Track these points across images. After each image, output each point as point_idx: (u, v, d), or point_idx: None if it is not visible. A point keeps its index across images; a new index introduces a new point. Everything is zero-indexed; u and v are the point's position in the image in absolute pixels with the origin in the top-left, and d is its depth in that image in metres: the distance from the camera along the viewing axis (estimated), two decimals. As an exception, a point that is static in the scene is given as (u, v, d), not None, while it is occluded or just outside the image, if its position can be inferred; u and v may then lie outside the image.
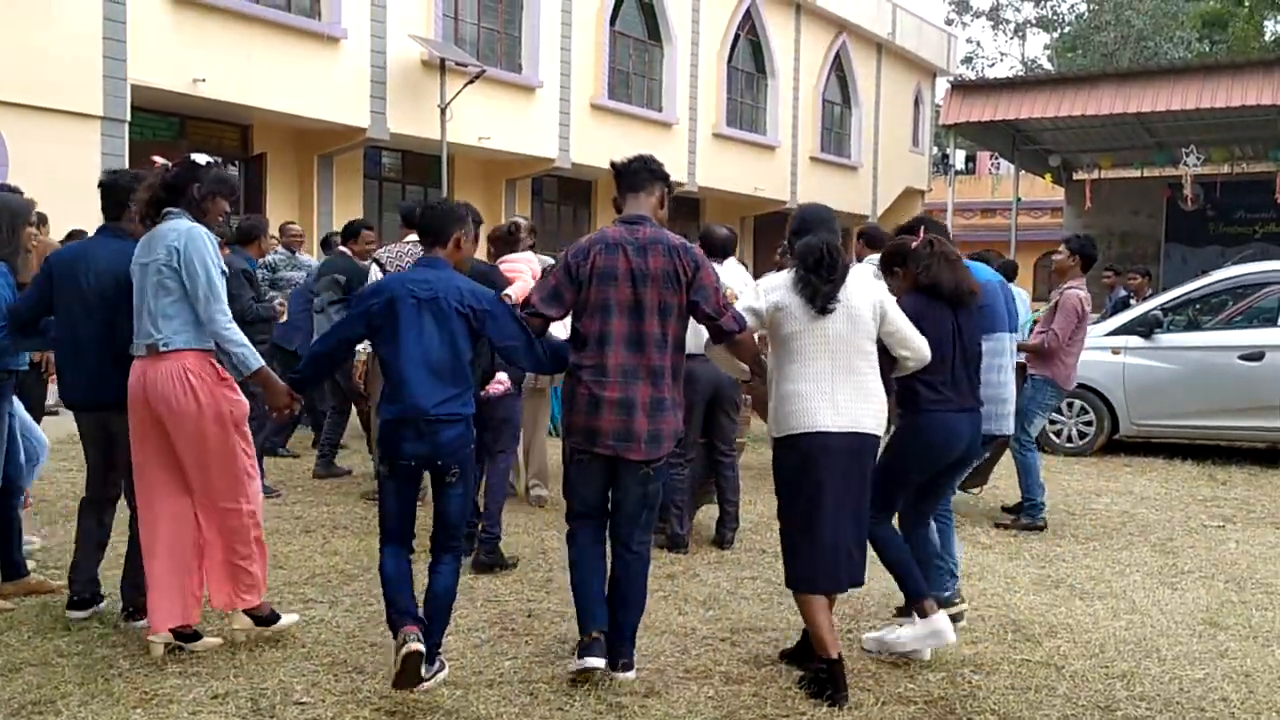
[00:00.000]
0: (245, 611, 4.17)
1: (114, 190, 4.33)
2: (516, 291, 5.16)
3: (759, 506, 6.83)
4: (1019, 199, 20.85)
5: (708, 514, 6.25)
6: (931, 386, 4.12)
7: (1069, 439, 9.26)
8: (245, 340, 4.00)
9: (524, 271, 6.21)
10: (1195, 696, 3.87)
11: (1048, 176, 21.30)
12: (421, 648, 3.59)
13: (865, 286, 3.93)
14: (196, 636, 4.10)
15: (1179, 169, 18.58)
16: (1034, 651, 4.30)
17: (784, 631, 4.48)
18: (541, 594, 4.98)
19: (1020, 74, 31.65)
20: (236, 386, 4.07)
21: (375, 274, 6.70)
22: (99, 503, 4.50)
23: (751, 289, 4.15)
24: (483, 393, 5.42)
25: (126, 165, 12.08)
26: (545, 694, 3.75)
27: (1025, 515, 6.57)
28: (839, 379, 3.81)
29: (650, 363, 3.77)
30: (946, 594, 4.46)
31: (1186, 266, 18.62)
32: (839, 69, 25.18)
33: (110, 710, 3.54)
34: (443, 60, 14.98)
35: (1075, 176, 20.97)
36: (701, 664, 4.09)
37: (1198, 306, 9.72)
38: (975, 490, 7.17)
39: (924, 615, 4.08)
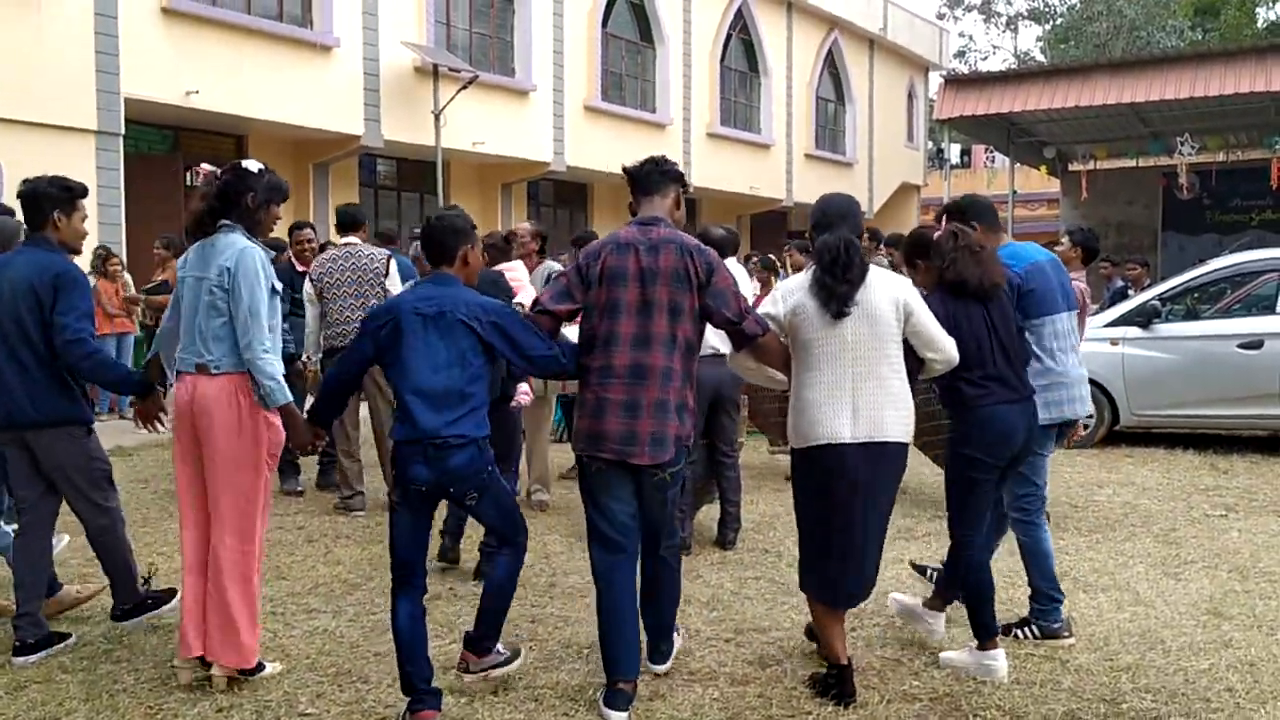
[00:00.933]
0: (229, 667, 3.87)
1: (32, 199, 4.18)
2: (526, 300, 5.14)
3: (760, 506, 6.83)
4: (1015, 192, 20.85)
5: (709, 514, 6.24)
6: (973, 383, 3.96)
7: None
8: (278, 374, 3.81)
9: (523, 280, 6.22)
10: (1201, 687, 3.87)
11: (1043, 169, 21.30)
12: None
13: (887, 285, 3.74)
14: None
15: (1174, 158, 18.59)
16: (1038, 645, 4.30)
17: (789, 631, 4.48)
18: (545, 599, 4.98)
19: (1013, 67, 31.62)
20: (277, 414, 3.93)
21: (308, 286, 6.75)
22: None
23: (772, 294, 4.01)
24: (513, 404, 5.44)
25: (122, 179, 12.14)
26: (550, 700, 3.75)
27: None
28: (860, 386, 3.65)
29: (657, 363, 3.65)
30: (1056, 625, 4.35)
31: (1184, 255, 18.64)
32: (832, 66, 25.19)
33: (115, 726, 3.54)
34: (435, 66, 14.98)
35: (1070, 168, 20.97)
36: (706, 665, 4.09)
37: (1196, 296, 9.71)
38: None
39: (983, 649, 3.99)
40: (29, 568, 4.23)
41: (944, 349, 3.80)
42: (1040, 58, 38.25)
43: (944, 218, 4.33)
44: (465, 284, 3.79)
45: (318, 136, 14.68)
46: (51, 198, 4.17)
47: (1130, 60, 17.76)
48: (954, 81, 18.91)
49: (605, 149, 18.42)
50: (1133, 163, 20.16)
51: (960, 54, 41.39)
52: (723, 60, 21.79)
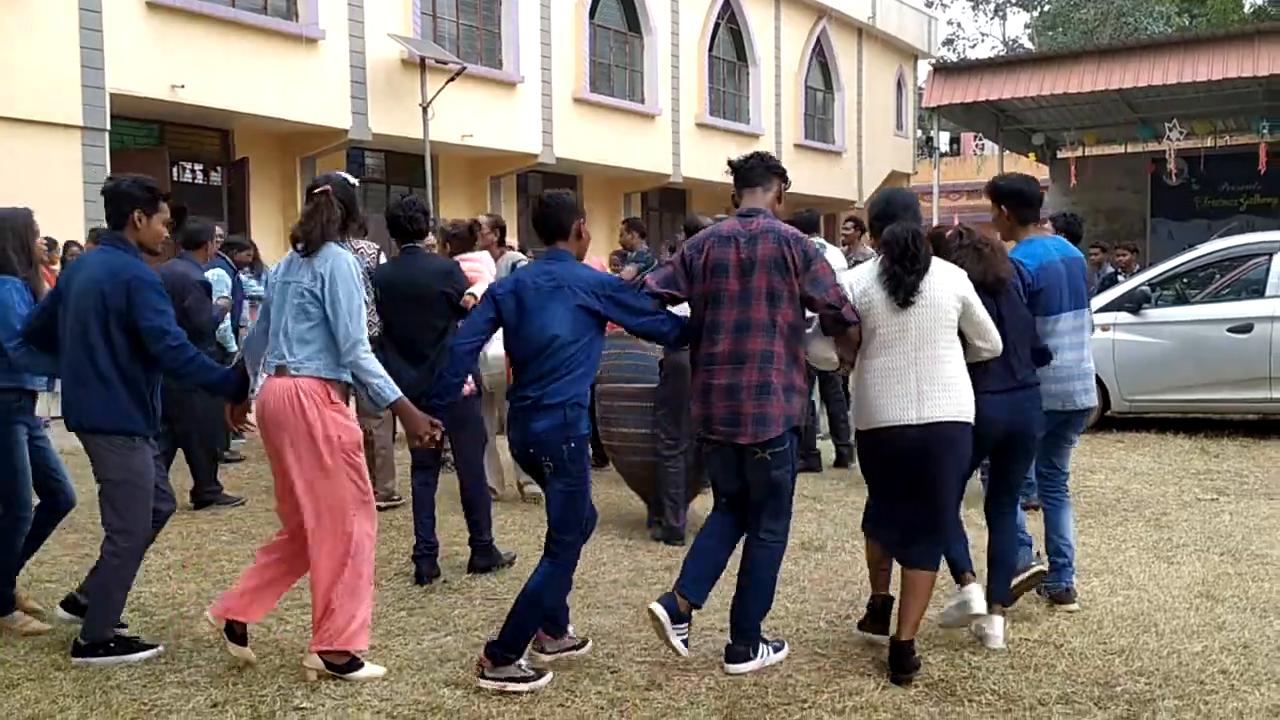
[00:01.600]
0: (320, 653, 3.89)
1: (115, 197, 4.11)
2: (479, 290, 5.10)
3: (754, 495, 6.82)
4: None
5: (703, 504, 6.23)
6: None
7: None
8: (383, 371, 3.91)
9: (483, 271, 6.18)
10: (1194, 669, 3.88)
11: (1032, 156, 21.32)
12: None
13: (948, 276, 3.90)
14: (241, 639, 3.97)
15: (1162, 144, 18.60)
16: (1032, 630, 4.31)
17: (783, 620, 4.48)
18: (539, 590, 4.96)
19: (1001, 54, 31.64)
20: (348, 411, 3.97)
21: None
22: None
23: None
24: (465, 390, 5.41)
25: (108, 174, 12.05)
26: (546, 691, 3.75)
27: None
28: (921, 371, 3.82)
29: (757, 348, 3.83)
30: (1065, 586, 4.60)
31: (1173, 241, 18.67)
32: (820, 55, 25.14)
33: (109, 723, 3.53)
34: (422, 58, 14.92)
35: (1059, 155, 20.99)
36: (702, 654, 4.09)
37: (1185, 281, 9.74)
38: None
39: (961, 584, 4.20)
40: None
41: (993, 339, 3.98)
42: (1028, 45, 38.28)
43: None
44: (577, 258, 4.05)
45: (305, 130, 14.61)
46: (134, 197, 4.09)
47: (1118, 46, 17.76)
48: (942, 69, 18.89)
49: (594, 140, 18.38)
50: (1121, 149, 20.20)
51: (949, 42, 41.42)
52: (711, 50, 21.73)
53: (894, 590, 4.14)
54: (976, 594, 4.12)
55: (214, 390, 4.23)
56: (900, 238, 3.82)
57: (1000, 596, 4.22)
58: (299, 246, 3.93)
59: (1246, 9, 33.85)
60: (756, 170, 4.08)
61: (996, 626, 4.14)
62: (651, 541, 5.84)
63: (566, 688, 3.77)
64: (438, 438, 4.06)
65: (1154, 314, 9.02)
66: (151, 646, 4.13)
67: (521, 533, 6.07)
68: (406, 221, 5.41)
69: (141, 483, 4.09)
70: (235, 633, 3.95)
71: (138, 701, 3.70)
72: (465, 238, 6.32)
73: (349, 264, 3.88)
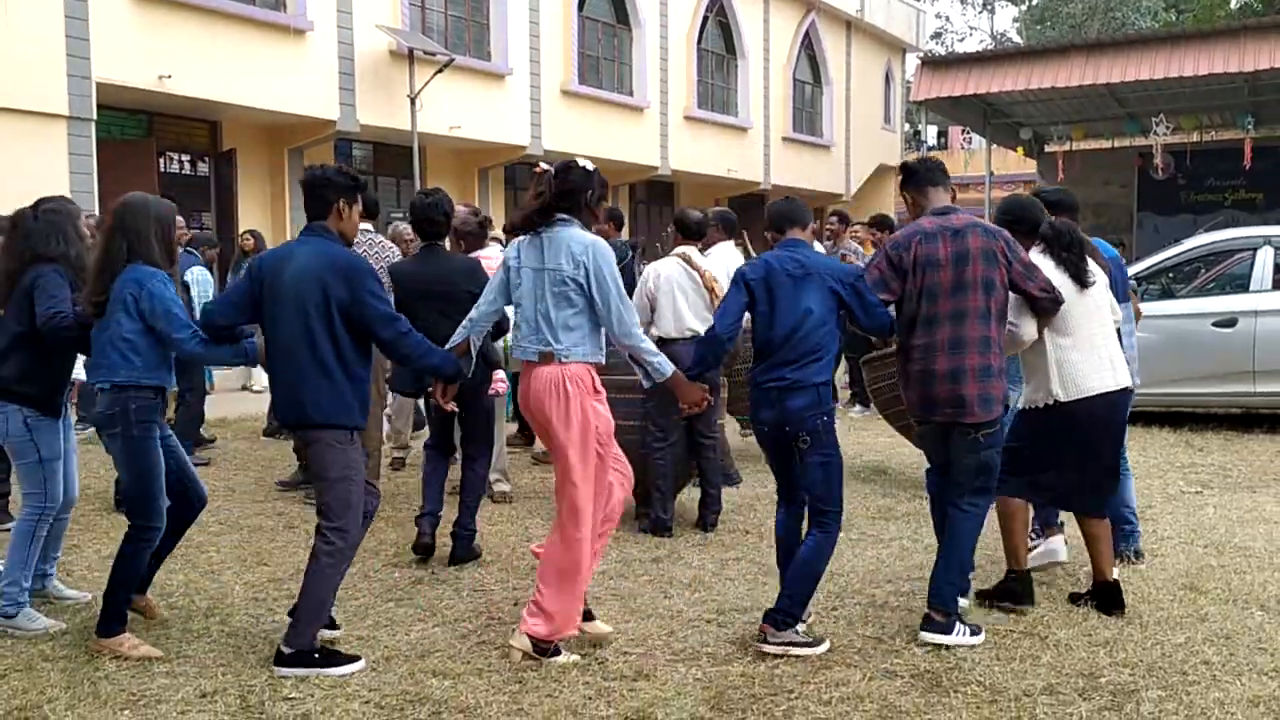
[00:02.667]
0: (529, 635, 3.95)
1: (319, 186, 3.99)
2: None
3: (741, 488, 6.85)
4: (992, 173, 20.92)
5: (690, 496, 6.26)
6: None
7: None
8: (657, 349, 4.11)
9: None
10: (1177, 660, 3.92)
11: (1020, 150, 21.35)
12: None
13: (1094, 262, 4.50)
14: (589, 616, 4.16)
15: (1149, 138, 18.66)
16: (1017, 622, 4.34)
17: (770, 611, 4.50)
18: (527, 583, 4.98)
19: (989, 48, 31.69)
20: (605, 400, 4.05)
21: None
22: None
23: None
24: (490, 390, 5.43)
25: (94, 164, 11.99)
26: (534, 682, 3.76)
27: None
28: (1106, 341, 4.45)
29: (975, 334, 4.11)
30: (1135, 548, 5.19)
31: (1159, 235, 18.75)
32: (809, 48, 25.15)
33: (98, 712, 3.53)
34: (411, 50, 14.87)
35: (1047, 149, 21.02)
36: (689, 646, 4.11)
37: (1171, 275, 9.78)
38: None
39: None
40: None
41: (1120, 312, 4.69)
42: (1017, 39, 38.36)
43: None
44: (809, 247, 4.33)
45: (292, 121, 14.55)
46: (338, 186, 3.99)
47: (1105, 41, 17.80)
48: (931, 63, 18.91)
49: (582, 132, 18.34)
50: (1108, 143, 20.25)
51: (937, 35, 41.46)
52: (699, 43, 21.71)
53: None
54: (1060, 544, 4.85)
55: (437, 373, 4.14)
56: (1064, 231, 4.48)
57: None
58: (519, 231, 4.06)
59: (1233, 5, 33.97)
60: (936, 173, 4.40)
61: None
62: (639, 534, 5.85)
63: (554, 679, 3.78)
64: (712, 401, 4.34)
65: (1140, 308, 9.05)
66: (354, 659, 3.94)
67: (509, 524, 6.08)
68: (428, 223, 5.44)
69: (357, 478, 3.97)
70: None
71: (126, 692, 3.70)
72: (478, 234, 6.27)
73: (608, 250, 4.02)
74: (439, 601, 4.68)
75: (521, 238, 4.12)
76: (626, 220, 21.17)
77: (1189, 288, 9.64)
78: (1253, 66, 15.33)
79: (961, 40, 42.89)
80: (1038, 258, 4.44)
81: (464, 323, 4.22)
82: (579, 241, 3.96)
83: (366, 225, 6.53)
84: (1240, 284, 9.00)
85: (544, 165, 4.19)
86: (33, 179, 10.71)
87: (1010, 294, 4.22)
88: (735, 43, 22.75)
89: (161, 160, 14.02)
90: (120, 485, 4.26)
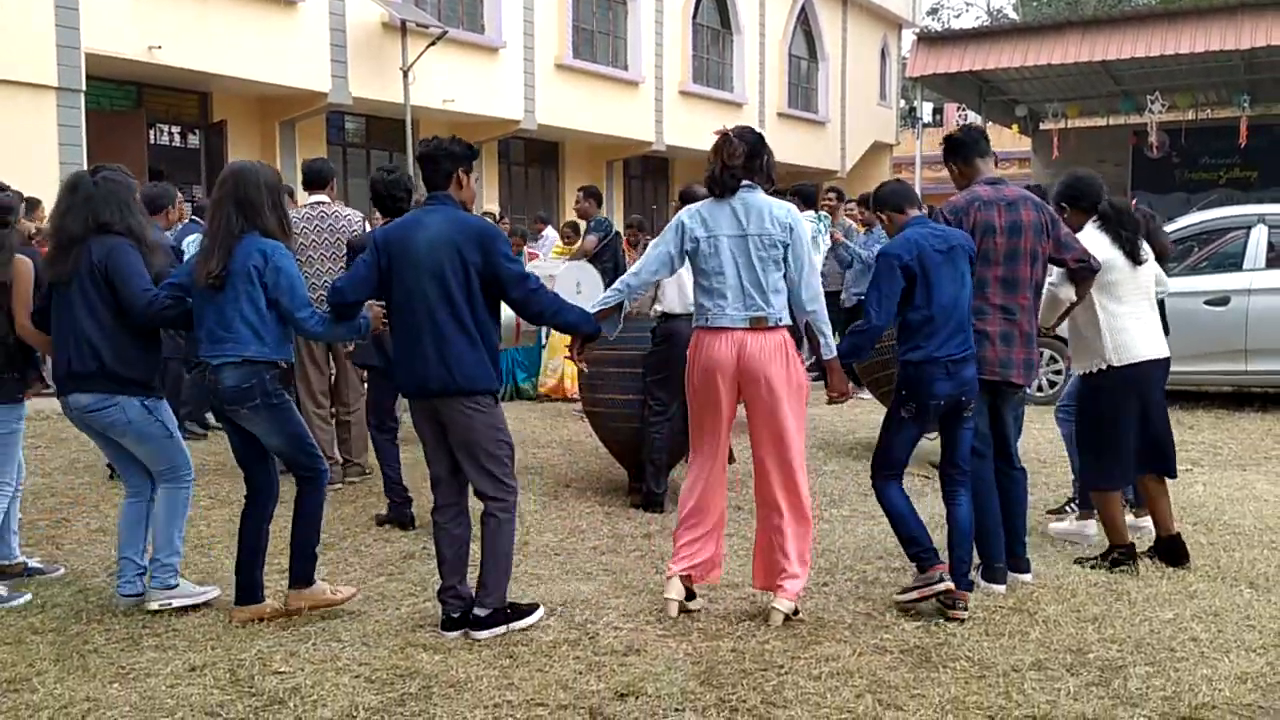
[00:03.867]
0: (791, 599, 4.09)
1: (437, 158, 3.99)
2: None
3: (732, 466, 6.85)
4: (987, 150, 20.86)
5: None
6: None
7: (1038, 388, 9.33)
8: (829, 327, 4.20)
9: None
10: (1165, 637, 3.94)
11: (1015, 127, 21.33)
12: (951, 584, 4.10)
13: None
14: (692, 595, 4.21)
15: (1144, 116, 18.65)
16: (1006, 598, 4.36)
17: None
18: (518, 557, 4.96)
19: (986, 24, 31.57)
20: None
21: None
22: (450, 508, 4.07)
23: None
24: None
25: (84, 136, 11.89)
26: (525, 656, 3.77)
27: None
28: (1152, 314, 4.75)
29: (1026, 302, 4.38)
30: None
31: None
32: (804, 23, 24.99)
33: (87, 685, 3.53)
34: (404, 22, 14.75)
35: (1042, 126, 21.02)
36: (679, 621, 4.12)
37: (1165, 253, 9.77)
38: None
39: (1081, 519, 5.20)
40: (447, 546, 4.05)
41: (1166, 282, 5.14)
42: (1013, 15, 38.17)
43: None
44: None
45: (284, 93, 14.44)
46: (456, 156, 4.00)
47: (1102, 18, 17.79)
48: (927, 39, 18.86)
49: (576, 107, 18.25)
50: (1103, 121, 20.24)
51: (933, 11, 41.29)
52: (695, 17, 21.56)
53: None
54: (1095, 527, 5.14)
55: (574, 329, 4.13)
56: (1124, 209, 4.77)
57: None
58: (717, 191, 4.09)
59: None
60: (982, 141, 4.58)
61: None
62: (630, 509, 5.86)
63: (544, 653, 3.79)
64: (850, 394, 4.42)
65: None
66: (537, 608, 4.11)
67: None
68: (390, 199, 5.41)
69: (509, 438, 4.07)
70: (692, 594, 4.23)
71: (115, 665, 3.69)
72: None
73: (801, 218, 4.13)
74: (430, 576, 4.67)
75: (695, 207, 4.14)
76: (623, 196, 21.13)
77: (1182, 266, 9.63)
78: (1249, 44, 15.31)
79: (958, 16, 42.74)
80: (1093, 233, 4.71)
81: (618, 285, 4.26)
82: (780, 206, 4.09)
83: (320, 196, 6.51)
84: (1234, 263, 8.99)
85: (724, 126, 4.19)
86: (21, 151, 10.66)
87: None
88: (731, 17, 22.60)
89: (151, 132, 13.91)
90: (239, 454, 4.18)
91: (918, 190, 20.01)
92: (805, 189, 8.72)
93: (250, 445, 4.16)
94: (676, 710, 3.34)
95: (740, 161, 4.04)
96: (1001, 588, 4.39)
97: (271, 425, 4.05)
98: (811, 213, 8.28)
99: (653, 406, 5.83)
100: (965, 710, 3.34)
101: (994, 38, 17.96)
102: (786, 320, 4.08)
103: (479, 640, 3.89)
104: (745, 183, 4.06)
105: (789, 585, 4.07)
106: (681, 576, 4.16)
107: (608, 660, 3.72)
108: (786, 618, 4.06)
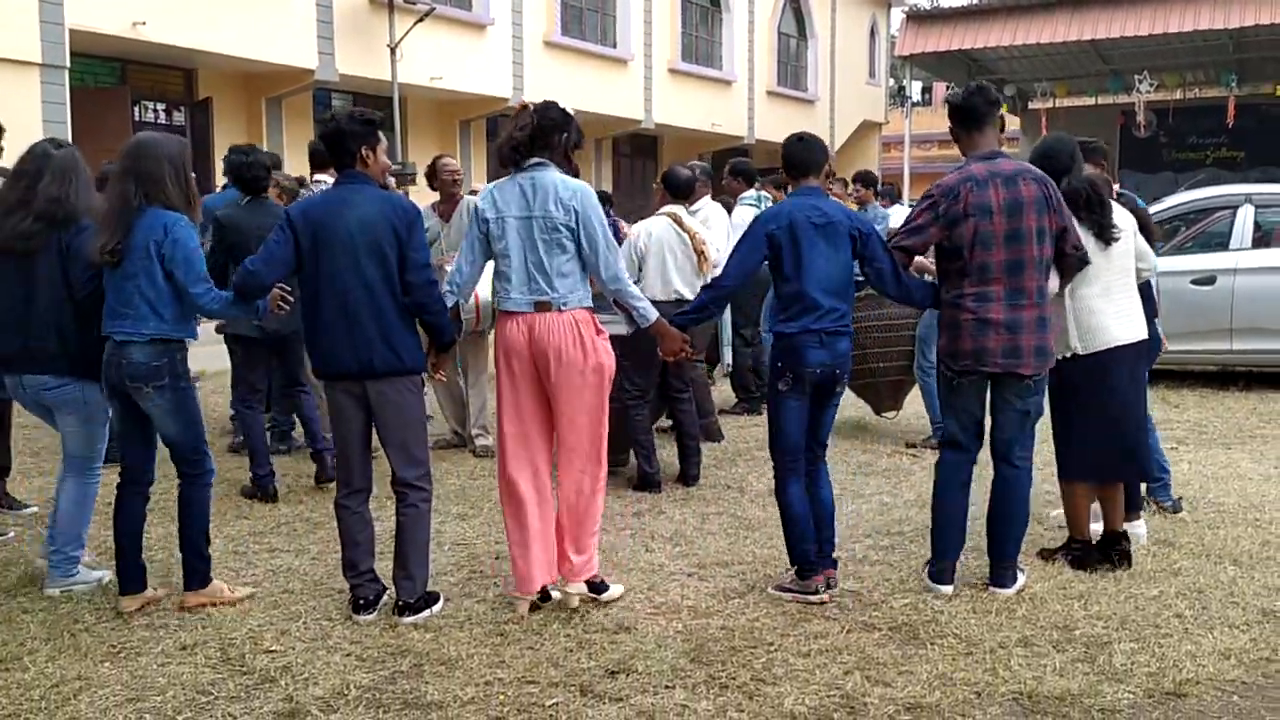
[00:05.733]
0: (586, 581, 4.06)
1: (337, 137, 3.95)
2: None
3: (723, 443, 6.88)
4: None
5: (672, 452, 6.27)
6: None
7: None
8: (640, 293, 4.13)
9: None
10: (1150, 614, 3.97)
11: (1004, 106, 21.29)
12: (826, 597, 4.09)
13: (1123, 215, 4.48)
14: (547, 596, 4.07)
15: (1132, 96, 18.66)
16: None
17: (750, 565, 4.53)
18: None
19: (975, 3, 31.48)
20: (609, 341, 4.07)
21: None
22: (363, 493, 4.06)
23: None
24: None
25: (69, 112, 11.80)
26: (515, 634, 3.78)
27: (934, 435, 6.62)
28: (1125, 294, 4.44)
29: (1033, 285, 4.06)
30: (1172, 501, 5.35)
31: (1140, 193, 18.67)
32: (794, 1, 24.92)
33: (79, 664, 3.53)
34: (391, -2, 14.66)
35: (1031, 106, 21.02)
36: (669, 599, 4.14)
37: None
38: (890, 414, 7.31)
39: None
40: (359, 530, 4.04)
41: (1151, 260, 4.77)
42: (1002, -6, 38.03)
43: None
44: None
45: (270, 70, 14.34)
46: (356, 134, 3.92)
47: (1092, -3, 17.73)
48: (916, 18, 18.83)
49: (565, 85, 18.14)
50: (1092, 100, 20.24)
51: (922, -11, 41.07)
52: (684, -6, 21.50)
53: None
54: (1142, 527, 4.87)
55: (440, 334, 4.06)
56: (1081, 190, 4.32)
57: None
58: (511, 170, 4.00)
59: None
60: (981, 107, 4.18)
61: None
62: (620, 489, 5.87)
63: (535, 630, 3.81)
64: (689, 354, 4.35)
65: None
66: (445, 598, 4.09)
67: (490, 477, 6.08)
68: (253, 180, 5.62)
69: (425, 416, 4.11)
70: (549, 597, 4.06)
71: (106, 644, 3.70)
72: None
73: (594, 195, 4.02)
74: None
75: (490, 187, 4.05)
76: (612, 174, 21.05)
77: (1168, 245, 9.66)
78: (1238, 23, 15.32)
79: (947, -6, 42.54)
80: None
81: (447, 287, 4.11)
82: (566, 186, 3.91)
83: (325, 176, 6.41)
84: (1220, 242, 9.02)
85: (526, 100, 4.14)
86: (5, 127, 10.53)
87: None
88: (720, -6, 22.52)
89: (136, 109, 13.81)
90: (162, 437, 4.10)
91: (906, 169, 20.01)
92: (744, 167, 8.43)
93: (136, 428, 4.05)
94: (667, 687, 3.36)
95: (524, 135, 3.94)
96: (947, 589, 4.19)
97: (174, 406, 3.95)
98: (751, 192, 8.09)
99: (630, 390, 5.80)
100: (952, 686, 3.37)
101: (983, 16, 17.93)
102: (577, 303, 3.93)
103: (411, 624, 3.86)
104: (539, 161, 3.95)
105: (578, 565, 4.05)
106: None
107: (598, 638, 3.74)
108: (584, 599, 4.03)
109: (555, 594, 4.04)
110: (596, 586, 4.09)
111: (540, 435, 4.06)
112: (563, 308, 3.91)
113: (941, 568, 4.23)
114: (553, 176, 3.94)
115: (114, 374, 3.92)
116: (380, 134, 4.03)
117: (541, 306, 3.90)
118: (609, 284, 3.99)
